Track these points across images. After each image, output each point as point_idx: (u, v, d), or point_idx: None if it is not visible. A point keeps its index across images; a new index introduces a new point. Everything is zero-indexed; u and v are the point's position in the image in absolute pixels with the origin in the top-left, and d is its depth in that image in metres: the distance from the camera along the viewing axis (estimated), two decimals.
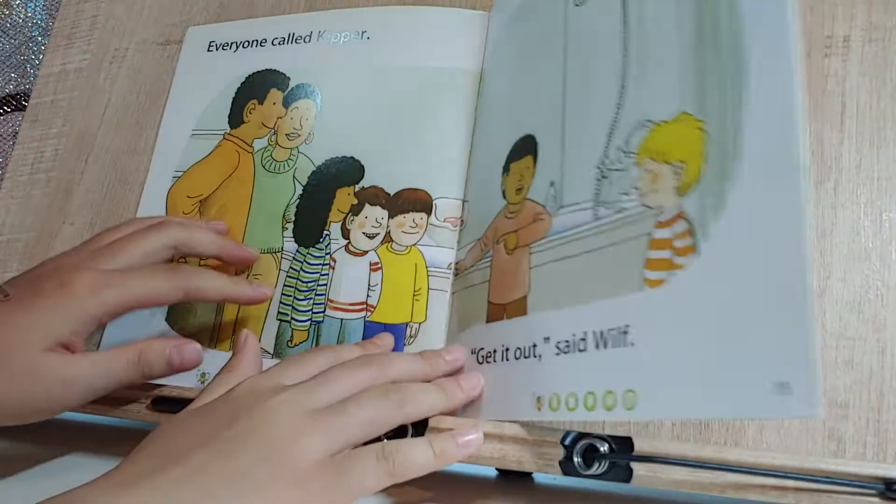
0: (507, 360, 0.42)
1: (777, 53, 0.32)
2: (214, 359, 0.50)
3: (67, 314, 0.42)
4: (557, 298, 0.40)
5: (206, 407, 0.39)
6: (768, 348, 0.30)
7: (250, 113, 0.57)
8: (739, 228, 0.32)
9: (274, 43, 0.59)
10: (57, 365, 0.42)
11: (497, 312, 0.44)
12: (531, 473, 0.44)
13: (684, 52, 0.37)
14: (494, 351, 0.43)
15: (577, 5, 0.45)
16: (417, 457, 0.39)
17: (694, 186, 0.35)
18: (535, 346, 0.40)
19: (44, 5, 0.66)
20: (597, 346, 0.37)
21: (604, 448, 0.39)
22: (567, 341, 0.38)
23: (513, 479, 0.45)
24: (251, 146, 0.56)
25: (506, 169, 0.47)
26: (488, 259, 0.46)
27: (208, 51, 0.60)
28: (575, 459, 0.39)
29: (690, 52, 0.37)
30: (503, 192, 0.46)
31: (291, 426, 0.36)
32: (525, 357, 0.41)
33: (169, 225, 0.48)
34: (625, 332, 0.36)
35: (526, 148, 0.46)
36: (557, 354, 0.39)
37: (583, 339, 0.38)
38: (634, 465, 0.38)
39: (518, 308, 0.42)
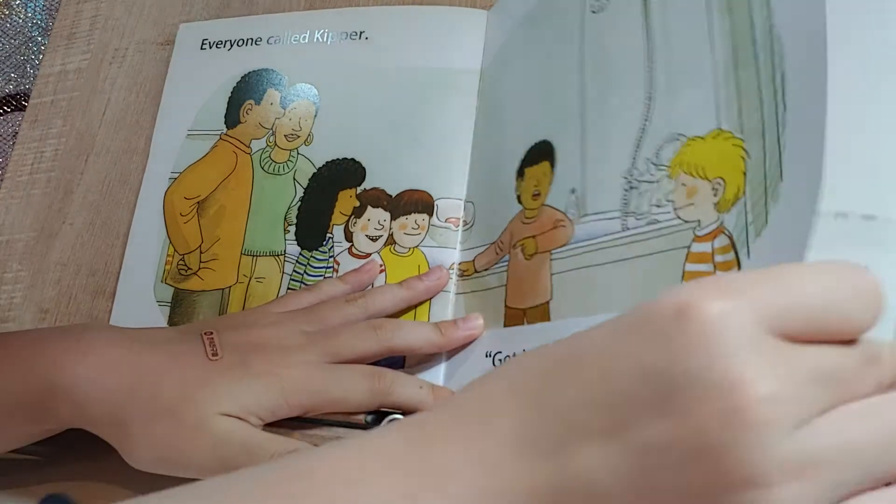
0: None
1: (814, 77, 0.32)
2: None
3: (264, 400, 0.42)
4: (585, 305, 0.40)
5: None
6: None
7: (247, 113, 0.56)
8: (783, 246, 0.33)
9: (270, 42, 0.58)
10: (235, 428, 0.41)
11: (516, 317, 0.44)
12: None
13: (719, 70, 0.38)
14: (514, 355, 0.43)
15: (593, 12, 0.45)
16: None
17: (735, 203, 0.35)
18: None
19: (44, 5, 0.66)
20: None
21: None
22: None
23: None
24: (249, 147, 0.55)
25: (520, 174, 0.47)
26: (505, 263, 0.46)
27: (202, 49, 0.59)
28: None
29: (725, 70, 0.37)
30: (518, 197, 0.46)
31: None
32: None
33: (388, 328, 0.45)
34: None
35: (542, 153, 0.46)
36: None
37: None
38: None
39: (539, 314, 0.43)
